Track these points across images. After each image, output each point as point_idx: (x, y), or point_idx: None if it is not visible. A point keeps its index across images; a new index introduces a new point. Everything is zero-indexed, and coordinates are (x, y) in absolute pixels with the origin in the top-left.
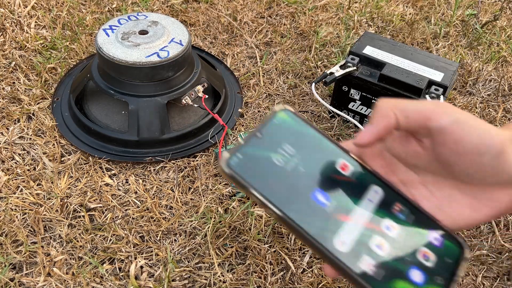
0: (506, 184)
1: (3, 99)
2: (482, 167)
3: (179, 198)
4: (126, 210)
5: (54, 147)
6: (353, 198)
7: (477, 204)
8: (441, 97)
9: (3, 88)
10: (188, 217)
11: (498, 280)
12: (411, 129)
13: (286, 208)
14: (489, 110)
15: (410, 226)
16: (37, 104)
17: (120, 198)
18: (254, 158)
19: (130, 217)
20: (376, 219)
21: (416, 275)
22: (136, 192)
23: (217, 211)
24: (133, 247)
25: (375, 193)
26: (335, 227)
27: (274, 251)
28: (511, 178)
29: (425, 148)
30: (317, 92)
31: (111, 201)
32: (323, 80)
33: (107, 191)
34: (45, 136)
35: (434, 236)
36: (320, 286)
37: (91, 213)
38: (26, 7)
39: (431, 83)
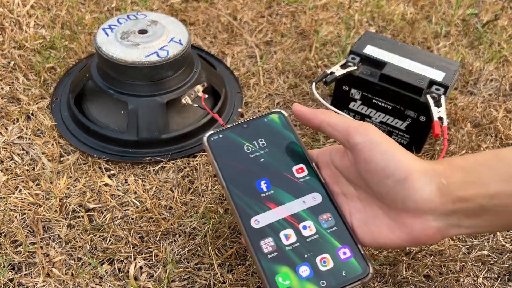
0: (416, 212)
1: (2, 98)
2: (389, 189)
3: (179, 198)
4: (125, 210)
5: (53, 147)
6: (290, 195)
7: (393, 226)
8: (442, 96)
9: (2, 88)
10: (188, 218)
11: (499, 280)
12: (339, 140)
13: (230, 183)
14: (490, 110)
15: (326, 234)
16: (36, 104)
17: (120, 199)
18: (230, 141)
19: (129, 217)
20: (299, 217)
21: (304, 271)
22: (135, 192)
23: (217, 211)
24: (133, 247)
25: (312, 199)
26: (259, 209)
27: None
28: (417, 206)
29: (350, 162)
30: (317, 92)
31: (110, 201)
32: (324, 79)
33: (106, 191)
34: (44, 136)
35: (344, 251)
36: None
37: (90, 213)
38: (25, 6)
39: (432, 82)
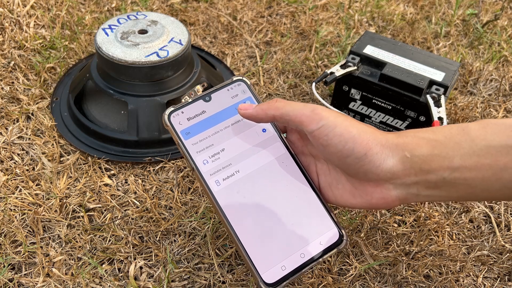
0: (377, 182)
1: (2, 98)
2: (349, 166)
3: (179, 198)
4: (125, 210)
5: (53, 147)
6: (260, 166)
7: (355, 192)
8: (442, 97)
9: (2, 88)
10: (188, 218)
11: (498, 280)
12: (295, 129)
13: (197, 160)
14: (490, 110)
15: (300, 205)
16: (36, 104)
17: (120, 199)
18: (193, 116)
19: (129, 217)
20: (273, 189)
21: (284, 245)
22: (135, 192)
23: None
24: (133, 247)
25: (281, 163)
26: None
27: None
28: (379, 177)
29: (311, 141)
30: (317, 92)
31: (110, 201)
32: (324, 79)
33: (106, 191)
34: (44, 136)
35: (318, 221)
36: (320, 287)
37: (90, 213)
38: (25, 6)
39: (432, 82)
